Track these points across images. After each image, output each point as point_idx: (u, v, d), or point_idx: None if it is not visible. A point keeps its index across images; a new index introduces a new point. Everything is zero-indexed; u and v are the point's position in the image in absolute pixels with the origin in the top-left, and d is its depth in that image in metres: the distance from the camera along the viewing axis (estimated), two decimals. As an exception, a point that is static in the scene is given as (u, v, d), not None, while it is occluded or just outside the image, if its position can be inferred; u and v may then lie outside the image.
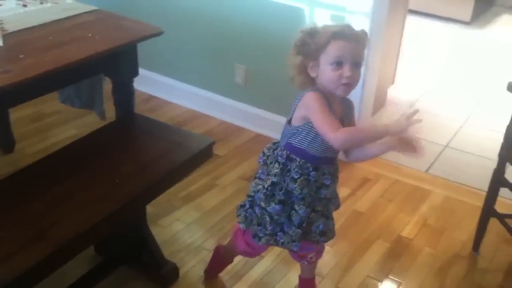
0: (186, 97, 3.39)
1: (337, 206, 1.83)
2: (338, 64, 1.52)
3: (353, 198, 2.66)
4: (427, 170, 2.94)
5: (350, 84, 1.54)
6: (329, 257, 2.27)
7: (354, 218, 2.53)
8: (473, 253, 2.34)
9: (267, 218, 1.70)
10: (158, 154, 1.93)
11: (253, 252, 1.94)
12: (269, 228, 1.71)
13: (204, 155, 1.99)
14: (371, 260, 2.28)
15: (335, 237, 1.83)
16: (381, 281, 2.18)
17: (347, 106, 1.68)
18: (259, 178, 1.74)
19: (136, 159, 1.91)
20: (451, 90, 3.92)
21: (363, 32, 1.58)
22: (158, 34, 1.97)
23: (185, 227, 2.40)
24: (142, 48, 2.06)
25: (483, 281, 2.21)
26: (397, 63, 3.60)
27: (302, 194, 1.65)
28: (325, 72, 1.54)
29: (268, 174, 1.69)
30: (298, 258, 1.95)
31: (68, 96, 2.47)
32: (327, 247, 2.31)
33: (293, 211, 1.68)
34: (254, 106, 3.14)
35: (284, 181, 1.65)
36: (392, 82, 3.64)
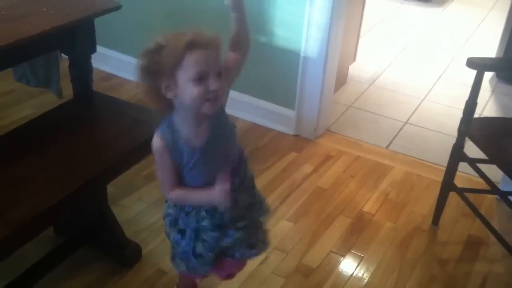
0: (146, 76, 3.32)
1: (265, 211, 1.65)
2: (201, 78, 1.29)
3: (316, 175, 2.68)
4: (387, 146, 2.97)
5: (217, 98, 1.34)
6: (292, 233, 2.28)
7: (317, 194, 2.54)
8: (433, 227, 2.38)
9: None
10: (118, 132, 1.89)
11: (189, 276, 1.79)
12: (179, 250, 1.58)
13: (165, 133, 1.95)
14: (334, 235, 2.30)
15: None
16: (343, 255, 2.20)
17: (219, 125, 1.44)
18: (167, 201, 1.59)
19: (95, 137, 1.87)
20: (411, 67, 3.96)
21: (216, 36, 1.35)
22: (116, 8, 1.92)
23: (147, 206, 2.37)
24: (101, 26, 2.01)
25: (443, 254, 2.25)
26: (358, 41, 3.61)
27: (202, 225, 1.50)
28: (186, 90, 1.30)
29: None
30: (226, 276, 1.73)
31: (23, 74, 2.39)
32: (291, 224, 2.33)
33: (199, 243, 1.53)
34: (215, 84, 3.11)
35: (179, 215, 1.53)
36: (353, 60, 3.66)
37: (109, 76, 3.38)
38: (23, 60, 2.12)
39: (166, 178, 1.44)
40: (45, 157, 1.71)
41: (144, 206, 2.37)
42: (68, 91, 2.14)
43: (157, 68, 1.29)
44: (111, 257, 2.07)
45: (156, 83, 1.32)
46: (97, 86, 2.16)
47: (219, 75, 1.32)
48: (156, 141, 1.40)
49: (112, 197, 2.19)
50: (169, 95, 1.33)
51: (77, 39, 1.93)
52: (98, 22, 1.93)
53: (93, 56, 2.02)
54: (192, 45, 1.28)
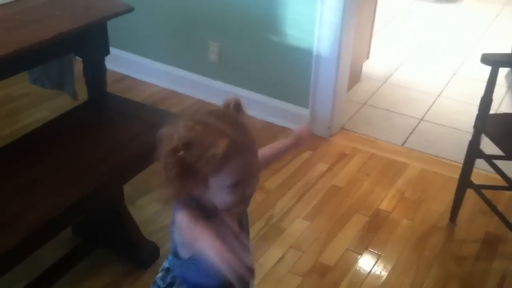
0: (160, 76, 3.34)
1: None
2: (238, 185, 1.09)
3: (331, 173, 2.66)
4: (403, 144, 2.95)
5: (251, 197, 1.14)
6: (308, 232, 2.28)
7: (332, 193, 2.53)
8: (450, 224, 2.36)
9: None
10: (132, 134, 1.89)
11: None
12: None
13: (180, 133, 1.95)
14: (350, 233, 2.29)
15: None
16: (360, 254, 2.19)
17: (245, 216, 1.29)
18: None
19: (109, 139, 1.88)
20: (425, 64, 3.93)
21: (245, 117, 1.17)
22: (128, 11, 1.92)
23: (163, 206, 2.37)
24: (114, 27, 2.01)
25: (461, 251, 2.23)
26: (371, 39, 3.59)
27: None
28: (219, 196, 1.10)
29: None
30: None
31: (38, 77, 2.41)
32: (307, 222, 2.33)
33: None
34: (229, 83, 3.11)
35: None
36: (367, 57, 3.64)
37: (123, 78, 3.39)
38: (37, 64, 2.13)
39: (216, 240, 1.02)
40: (60, 160, 1.72)
41: (160, 206, 2.37)
42: (83, 94, 2.15)
43: (185, 171, 1.07)
44: (128, 257, 2.07)
45: (182, 184, 1.10)
46: (111, 87, 2.16)
47: (256, 173, 1.14)
48: (187, 213, 1.12)
49: (129, 197, 2.20)
50: (195, 193, 1.12)
51: (90, 41, 1.94)
52: (111, 23, 1.94)
53: (106, 57, 2.03)
54: (231, 154, 1.05)
